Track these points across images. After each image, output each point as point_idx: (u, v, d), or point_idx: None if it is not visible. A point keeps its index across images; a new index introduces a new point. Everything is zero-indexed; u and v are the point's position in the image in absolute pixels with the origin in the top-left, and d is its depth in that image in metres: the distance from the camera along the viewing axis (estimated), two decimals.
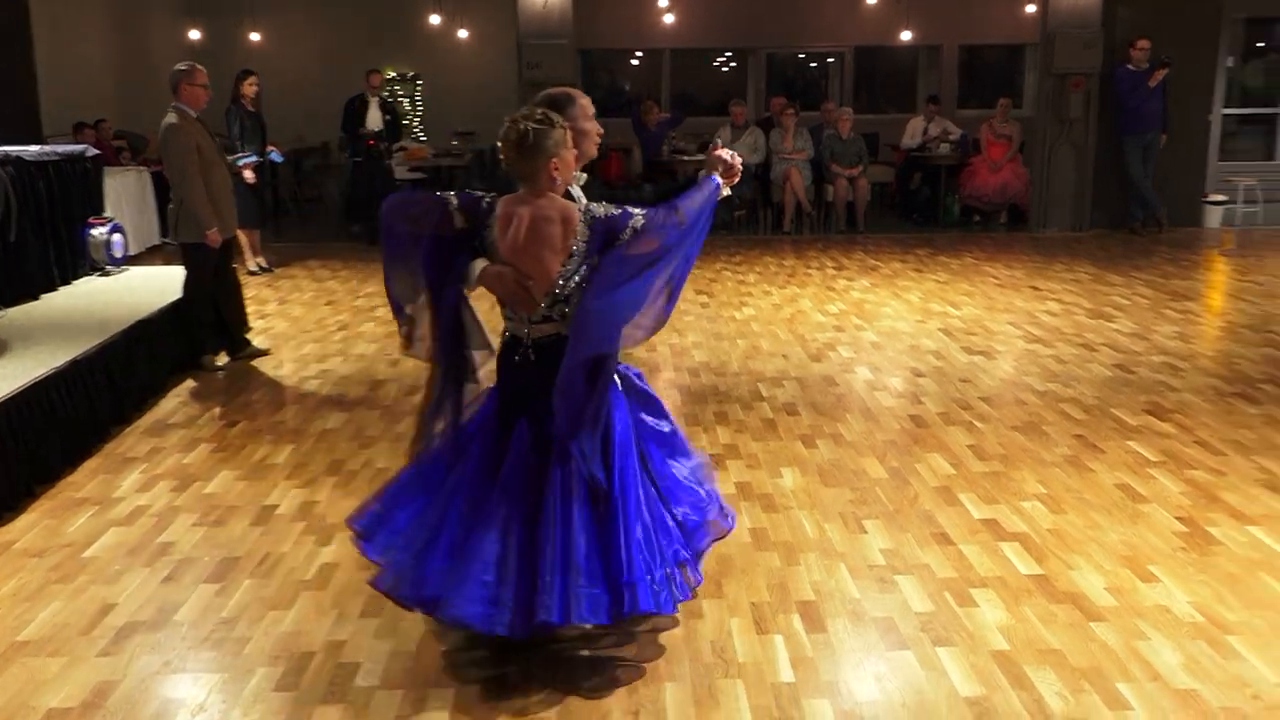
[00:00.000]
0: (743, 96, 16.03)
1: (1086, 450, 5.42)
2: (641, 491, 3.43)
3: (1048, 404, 6.17)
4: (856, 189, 12.71)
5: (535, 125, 3.30)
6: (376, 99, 12.13)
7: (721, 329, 8.08)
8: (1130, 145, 12.16)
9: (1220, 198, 13.03)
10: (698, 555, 3.59)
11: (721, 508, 3.75)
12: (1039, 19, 12.86)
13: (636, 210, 3.37)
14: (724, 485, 5.04)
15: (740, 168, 3.64)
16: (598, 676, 3.45)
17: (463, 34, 16.10)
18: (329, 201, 15.27)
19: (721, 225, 12.75)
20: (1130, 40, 12.09)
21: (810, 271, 10.34)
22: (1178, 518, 4.60)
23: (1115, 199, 12.49)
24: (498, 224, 3.37)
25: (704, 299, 9.15)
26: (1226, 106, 14.50)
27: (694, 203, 3.42)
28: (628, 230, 3.30)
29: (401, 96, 16.78)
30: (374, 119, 12.02)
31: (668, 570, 3.38)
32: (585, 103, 3.68)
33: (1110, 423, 5.83)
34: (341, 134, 12.41)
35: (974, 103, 16.86)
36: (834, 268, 10.52)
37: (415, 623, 3.77)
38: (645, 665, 3.51)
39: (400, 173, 12.79)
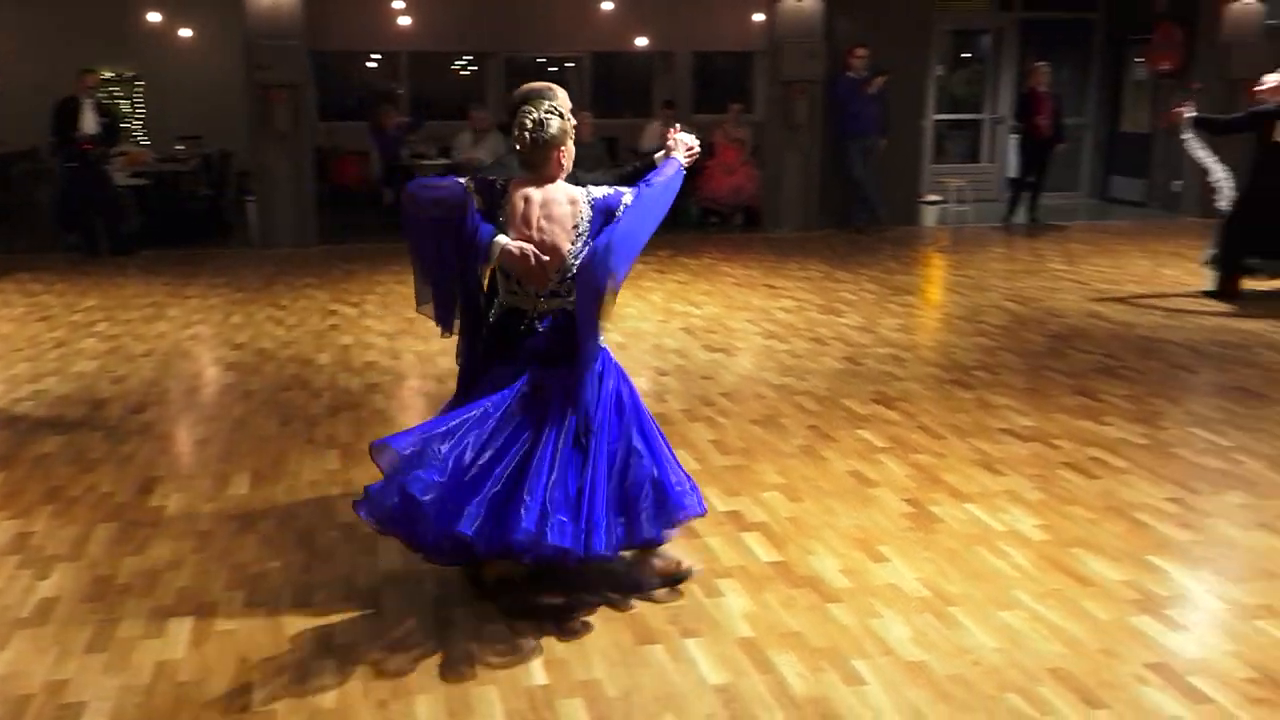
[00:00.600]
0: (483, 101, 15.98)
1: (821, 440, 5.67)
2: (622, 446, 3.77)
3: (784, 397, 6.43)
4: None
5: (548, 117, 3.74)
6: (91, 101, 11.40)
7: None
8: (852, 149, 12.81)
9: (934, 198, 13.92)
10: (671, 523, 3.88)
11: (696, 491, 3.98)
12: (767, 28, 13.37)
13: (625, 189, 3.87)
14: None
15: (699, 148, 4.14)
16: (345, 691, 3.36)
17: (185, 33, 15.36)
18: (40, 210, 14.24)
19: None
20: (849, 49, 12.74)
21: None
22: (904, 499, 4.88)
23: (841, 200, 13.13)
24: (510, 206, 3.79)
25: None
26: (938, 113, 15.52)
27: (660, 178, 3.92)
28: (620, 207, 3.81)
29: (119, 98, 15.85)
30: (89, 122, 11.30)
31: (624, 519, 3.72)
32: (565, 95, 4.09)
33: (841, 413, 6.13)
34: (52, 138, 11.60)
35: (708, 108, 17.39)
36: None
37: (146, 655, 3.58)
38: (396, 678, 3.45)
39: (120, 179, 12.08)
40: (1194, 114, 9.07)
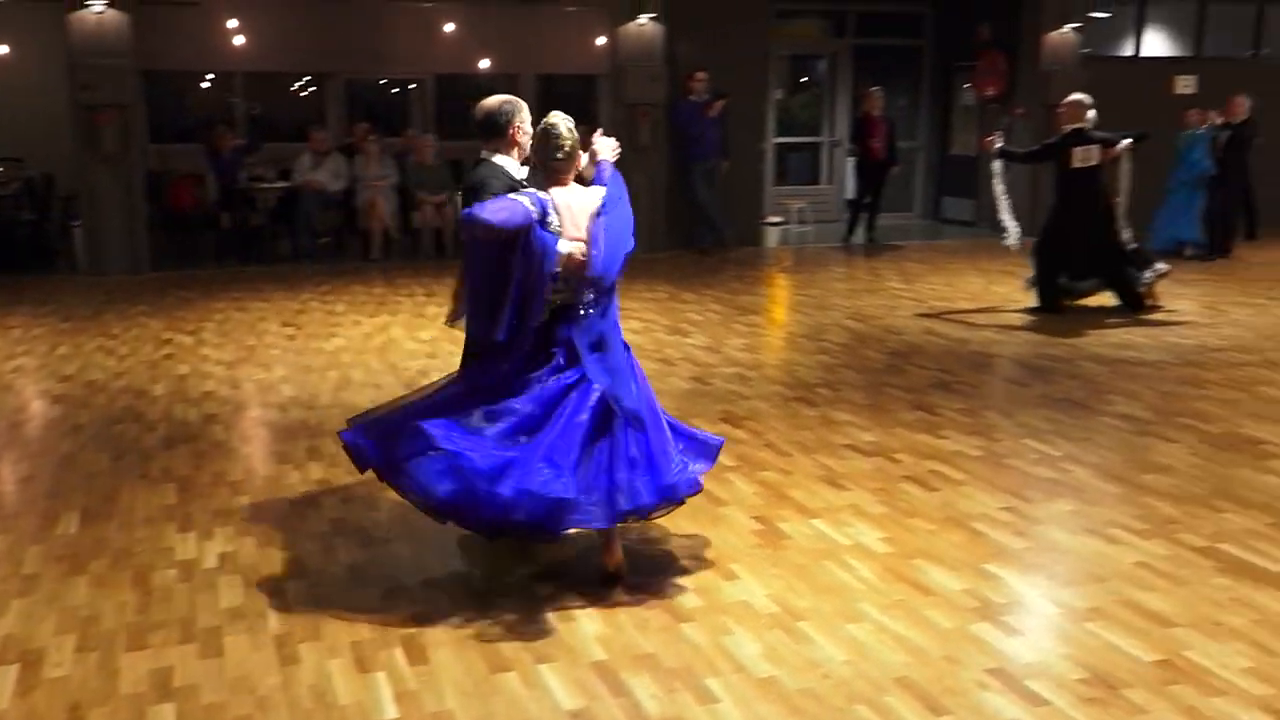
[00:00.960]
0: (323, 122, 15.70)
1: None
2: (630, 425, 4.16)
3: None
4: (443, 215, 12.76)
5: (570, 135, 4.33)
6: None
7: (310, 361, 7.84)
8: (695, 171, 13.00)
9: (776, 219, 14.23)
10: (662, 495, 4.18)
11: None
12: (609, 52, 13.47)
13: (606, 170, 4.43)
14: (318, 524, 4.89)
15: (619, 148, 4.60)
16: None
17: (1, 50, 14.67)
18: None
19: (305, 255, 12.41)
20: (689, 73, 12.94)
21: (400, 299, 10.26)
22: (753, 517, 4.95)
23: (685, 221, 13.30)
24: (560, 214, 4.22)
25: (290, 331, 8.84)
26: (778, 136, 15.88)
27: (611, 182, 4.41)
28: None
29: None
30: None
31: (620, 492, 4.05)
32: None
33: None
34: None
35: None
36: (425, 294, 10.50)
37: None
38: None
39: None
40: (1001, 145, 9.50)
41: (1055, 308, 9.51)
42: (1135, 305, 9.50)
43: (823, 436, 6.11)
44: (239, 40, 15.52)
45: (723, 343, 8.46)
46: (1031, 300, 9.70)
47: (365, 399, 6.85)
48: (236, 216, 12.69)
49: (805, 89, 16.95)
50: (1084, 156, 9.21)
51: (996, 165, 9.51)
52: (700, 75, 12.89)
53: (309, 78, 16.92)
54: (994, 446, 5.94)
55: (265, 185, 12.64)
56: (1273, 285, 11.04)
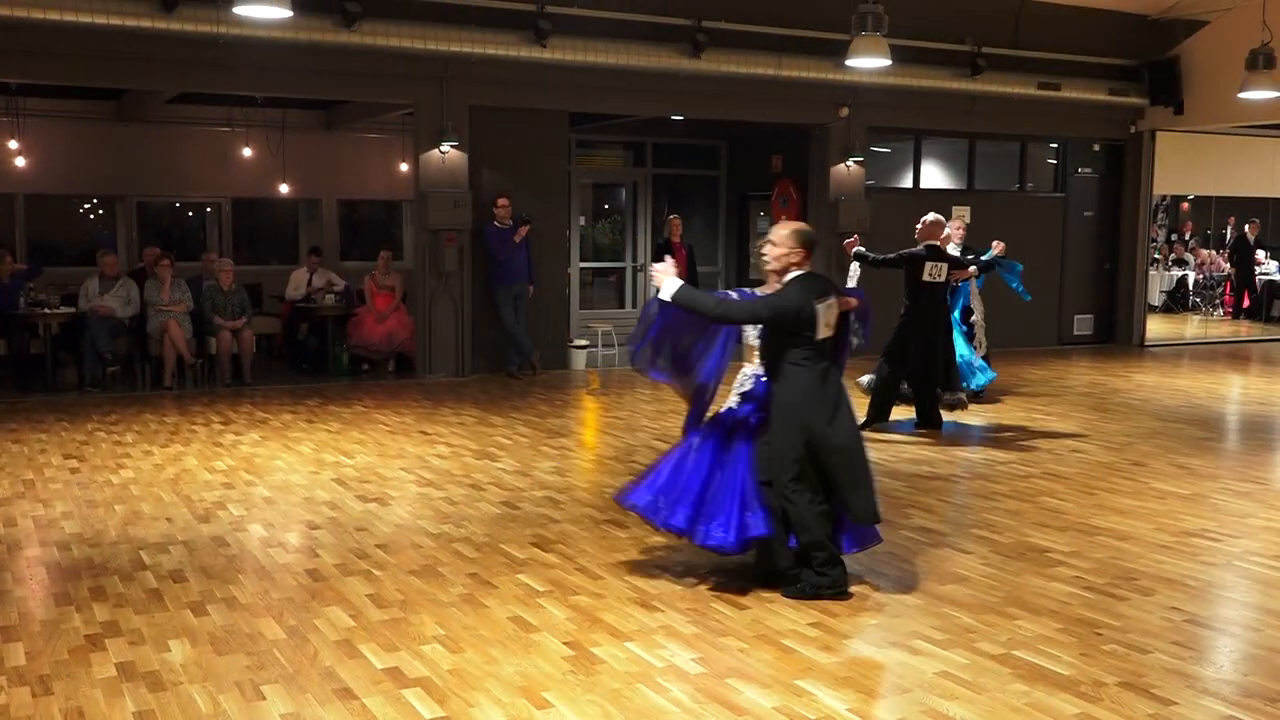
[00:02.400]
0: (113, 246, 15.17)
1: (481, 587, 5.62)
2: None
3: (442, 545, 6.35)
4: (241, 341, 12.42)
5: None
6: None
7: (95, 495, 7.44)
8: (501, 296, 13.06)
9: (583, 342, 14.38)
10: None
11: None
12: (413, 178, 13.53)
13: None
14: (103, 669, 4.59)
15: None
16: None
17: None
18: None
19: (93, 383, 11.85)
20: (494, 199, 13.08)
21: (195, 428, 9.88)
22: (565, 642, 4.90)
23: (492, 345, 13.32)
24: None
25: (74, 464, 8.38)
26: (584, 260, 16.18)
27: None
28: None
29: None
30: None
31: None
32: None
33: (501, 558, 6.11)
34: None
35: (356, 254, 17.29)
36: (221, 422, 10.15)
37: None
38: None
39: None
40: (859, 249, 9.91)
41: (886, 419, 9.89)
42: (929, 424, 9.92)
43: (634, 558, 6.12)
44: (20, 162, 14.98)
45: (532, 466, 8.44)
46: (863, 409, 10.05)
47: (157, 533, 6.53)
48: (15, 344, 12.07)
49: (608, 216, 17.38)
50: (933, 272, 9.70)
51: (854, 267, 9.87)
52: (503, 201, 13.05)
53: (95, 200, 16.39)
54: None
55: (48, 311, 12.04)
56: (1048, 400, 11.75)
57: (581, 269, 16.20)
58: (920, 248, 9.83)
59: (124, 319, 12.27)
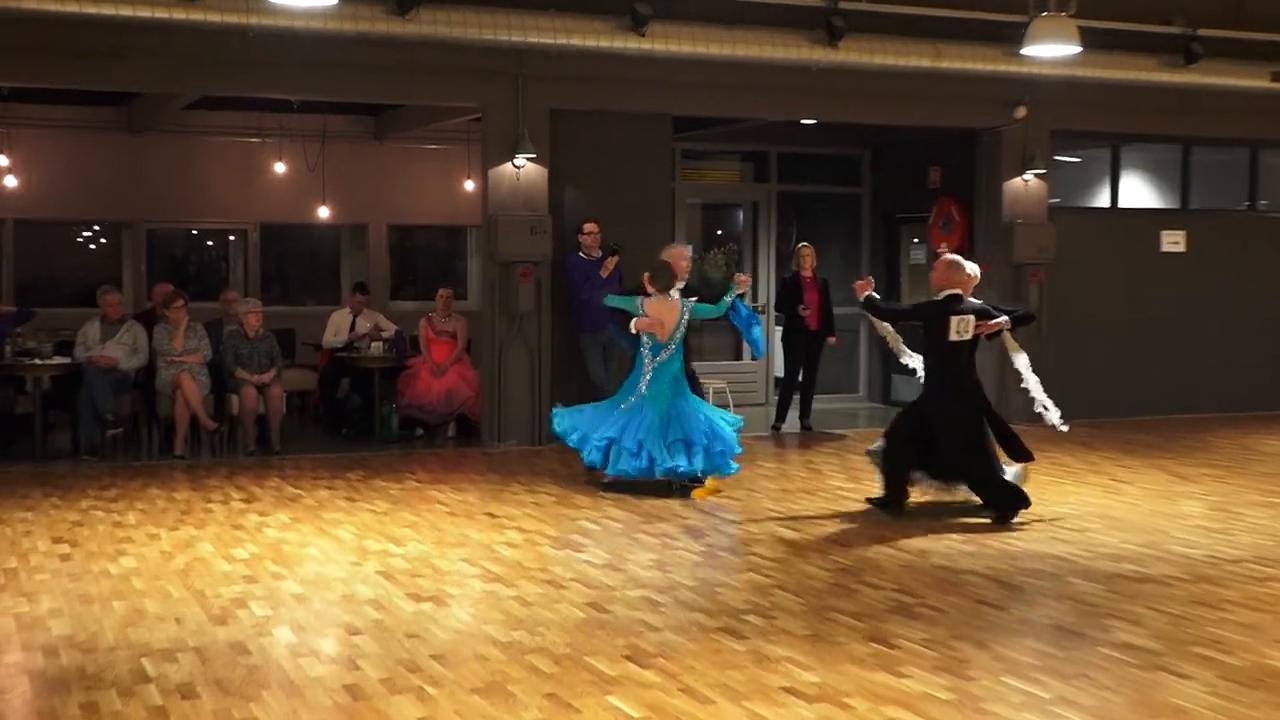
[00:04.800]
0: (117, 283, 15.60)
1: (561, 711, 5.59)
2: None
3: (513, 657, 6.33)
4: (269, 399, 12.64)
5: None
6: None
7: (90, 589, 7.58)
8: (588, 343, 13.10)
9: None
10: None
11: None
12: (480, 200, 13.70)
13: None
14: None
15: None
16: None
17: None
18: None
19: (89, 450, 12.14)
20: (578, 225, 13.17)
21: (212, 506, 10.05)
22: None
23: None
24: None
25: (64, 549, 8.57)
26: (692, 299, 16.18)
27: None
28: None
29: None
30: None
31: None
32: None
33: (585, 674, 6.07)
34: None
35: (410, 293, 17.57)
36: (243, 500, 10.31)
37: None
38: None
39: None
40: (871, 293, 9.99)
41: (902, 505, 9.87)
42: (1003, 506, 9.66)
43: (754, 677, 6.04)
44: (9, 181, 15.48)
45: (625, 558, 8.41)
46: (876, 489, 10.08)
47: (163, 638, 6.62)
48: (7, 397, 12.47)
49: (722, 244, 17.42)
50: (960, 328, 9.61)
51: (875, 310, 10.21)
52: (590, 227, 13.13)
53: (97, 227, 16.90)
54: (968, 687, 5.92)
55: (38, 362, 12.37)
56: None
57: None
58: (940, 298, 9.80)
59: (129, 371, 12.57)
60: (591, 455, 10.64)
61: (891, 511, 9.80)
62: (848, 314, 16.33)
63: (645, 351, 10.76)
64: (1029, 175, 14.83)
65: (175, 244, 17.52)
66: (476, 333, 13.72)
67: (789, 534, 9.20)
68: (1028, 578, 7.98)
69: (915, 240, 16.60)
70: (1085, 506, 10.23)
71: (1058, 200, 15.31)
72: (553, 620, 6.98)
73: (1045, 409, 10.32)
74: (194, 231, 17.51)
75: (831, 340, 14.39)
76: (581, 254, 13.12)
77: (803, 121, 15.39)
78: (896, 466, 9.86)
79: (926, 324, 9.85)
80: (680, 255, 11.25)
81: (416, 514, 9.85)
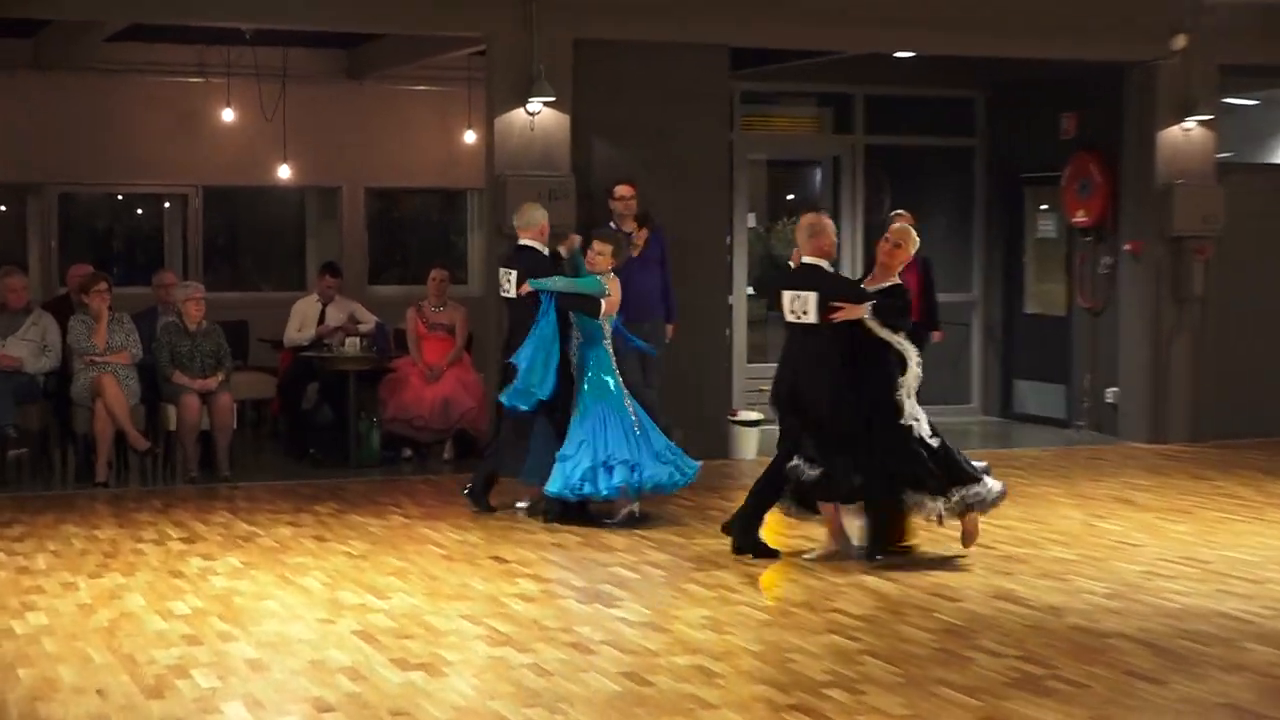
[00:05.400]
0: (21, 263, 15.67)
1: None
2: None
3: None
4: (215, 410, 12.69)
5: None
6: None
7: None
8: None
9: (753, 415, 14.29)
10: None
11: None
12: (483, 155, 13.69)
13: None
14: None
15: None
16: None
17: None
18: None
19: None
20: (608, 188, 13.11)
21: (143, 547, 10.11)
22: None
23: None
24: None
25: None
26: (753, 285, 16.14)
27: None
28: None
29: None
30: None
31: None
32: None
33: None
34: None
35: (395, 275, 17.60)
36: (183, 539, 10.36)
37: None
38: None
39: None
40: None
41: (892, 543, 9.93)
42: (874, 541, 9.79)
43: None
44: None
45: (671, 615, 8.39)
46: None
47: (82, 713, 6.65)
48: None
49: (793, 212, 17.38)
50: (796, 307, 9.79)
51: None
52: (625, 190, 13.04)
53: None
54: None
55: None
56: None
57: (751, 296, 16.20)
58: (796, 265, 10.10)
59: (36, 376, 12.64)
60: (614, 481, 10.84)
61: (886, 552, 9.80)
62: (957, 302, 16.29)
63: (606, 343, 11.20)
64: (1190, 123, 14.74)
65: (96, 213, 17.62)
66: (479, 326, 13.72)
67: (881, 584, 9.16)
68: (1191, 642, 7.91)
69: (1043, 207, 16.50)
70: (1265, 551, 10.15)
71: (1229, 155, 15.20)
72: (578, 695, 6.98)
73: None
74: (119, 197, 17.61)
75: (936, 336, 14.28)
76: (613, 225, 13.10)
77: (898, 55, 15.33)
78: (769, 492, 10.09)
79: (769, 295, 10.34)
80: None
81: (404, 558, 9.87)
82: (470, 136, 16.88)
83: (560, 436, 10.98)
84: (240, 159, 16.82)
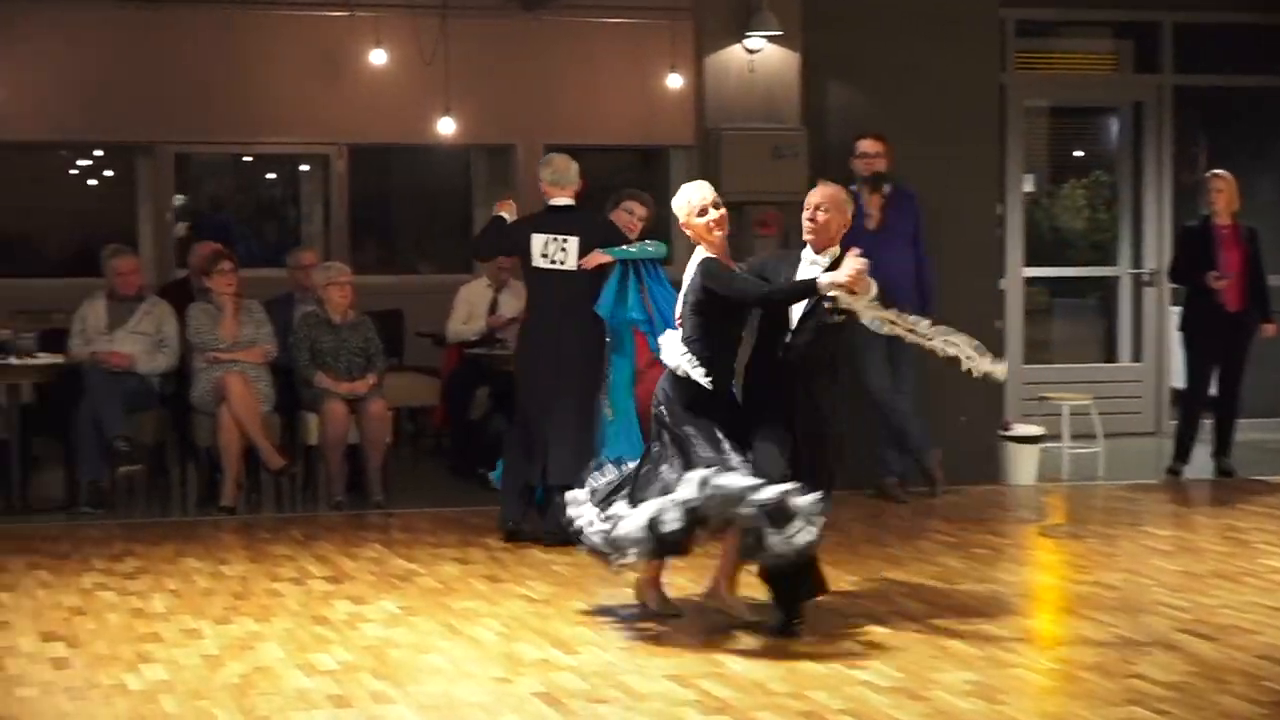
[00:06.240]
0: (131, 240, 16.00)
1: None
2: None
3: None
4: (365, 420, 12.90)
5: None
6: None
7: (98, 712, 7.86)
8: (861, 335, 13.05)
9: (1031, 430, 14.21)
10: None
11: None
12: (691, 106, 13.76)
13: None
14: None
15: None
16: None
17: None
18: None
19: (91, 500, 12.48)
20: (850, 143, 13.14)
21: (280, 587, 10.30)
22: None
23: (848, 434, 13.34)
24: None
25: (58, 650, 8.87)
26: (1030, 264, 16.05)
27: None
28: None
29: None
30: None
31: None
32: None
33: None
34: None
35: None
36: (327, 578, 10.53)
37: None
38: None
39: None
40: None
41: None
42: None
43: None
44: None
45: (929, 679, 8.37)
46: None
47: None
48: None
49: (1084, 174, 17.25)
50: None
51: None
52: (869, 145, 13.02)
53: (99, 153, 17.40)
54: None
55: (14, 362, 12.66)
56: None
57: (1030, 280, 16.10)
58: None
59: (150, 377, 12.97)
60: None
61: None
62: None
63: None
64: None
65: (219, 177, 17.92)
66: None
67: (1196, 641, 9.07)
68: None
69: None
70: None
71: None
72: None
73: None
74: (246, 158, 17.91)
75: (1269, 329, 14.06)
76: (854, 187, 13.10)
77: None
78: None
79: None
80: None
81: (596, 603, 9.94)
82: (674, 81, 16.92)
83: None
84: (393, 111, 17.00)
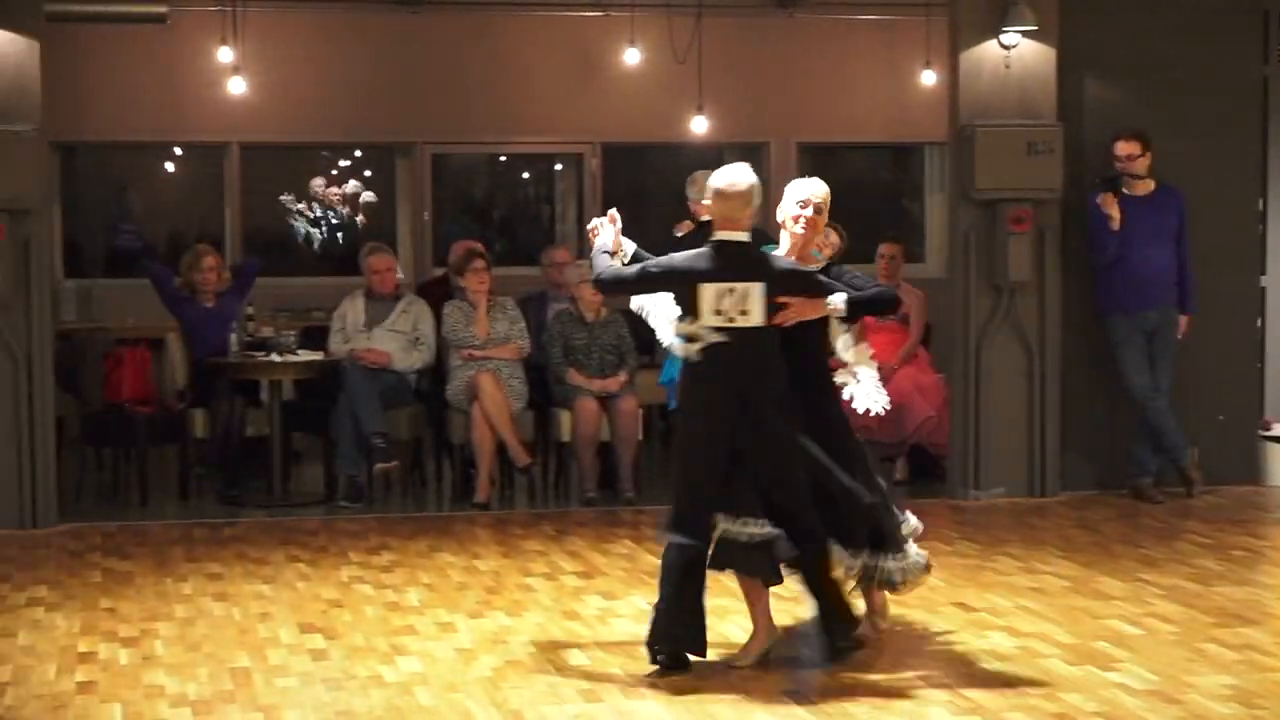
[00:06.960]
0: (390, 239, 16.21)
1: None
2: None
3: None
4: (617, 417, 13.00)
5: None
6: None
7: (355, 703, 7.95)
8: (1120, 332, 12.83)
9: None
10: None
11: None
12: (947, 103, 13.66)
13: None
14: None
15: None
16: None
17: None
18: None
19: (350, 494, 12.68)
20: (1111, 141, 12.97)
21: (532, 582, 10.38)
22: None
23: (1105, 436, 13.16)
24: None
25: (316, 641, 9.01)
26: None
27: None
28: None
29: None
30: None
31: None
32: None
33: None
34: None
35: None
36: (579, 573, 10.60)
37: None
38: None
39: None
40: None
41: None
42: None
43: None
44: (236, 86, 16.19)
45: (1185, 683, 8.24)
46: None
47: None
48: (221, 418, 13.05)
49: None
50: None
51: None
52: (1129, 146, 12.85)
53: (358, 153, 17.67)
54: None
55: (276, 359, 12.94)
56: None
57: None
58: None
59: (407, 374, 13.17)
60: None
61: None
62: None
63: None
64: None
65: (476, 177, 18.10)
66: (940, 315, 13.71)
67: None
68: None
69: None
70: None
71: None
72: None
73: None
74: (502, 159, 18.07)
75: None
76: (1109, 187, 12.90)
77: None
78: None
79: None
80: None
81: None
82: (928, 78, 16.86)
83: None
84: (646, 110, 17.10)
